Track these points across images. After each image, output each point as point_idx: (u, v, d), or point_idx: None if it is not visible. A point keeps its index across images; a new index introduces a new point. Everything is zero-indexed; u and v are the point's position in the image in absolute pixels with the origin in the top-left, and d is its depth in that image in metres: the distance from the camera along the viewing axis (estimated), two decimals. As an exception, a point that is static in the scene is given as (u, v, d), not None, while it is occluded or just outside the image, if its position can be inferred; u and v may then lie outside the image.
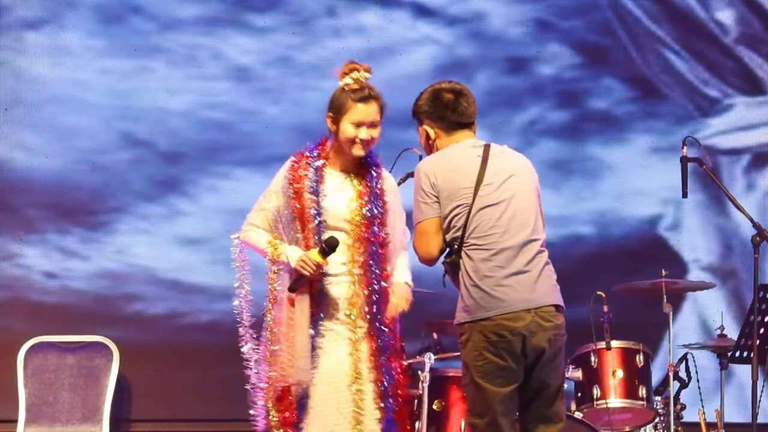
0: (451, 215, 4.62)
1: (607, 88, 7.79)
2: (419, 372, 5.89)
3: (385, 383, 4.72)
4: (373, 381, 4.72)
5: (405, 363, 4.88)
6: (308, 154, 4.85)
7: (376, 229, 4.77)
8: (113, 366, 7.05)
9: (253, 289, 4.82)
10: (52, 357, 7.08)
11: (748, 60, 7.89)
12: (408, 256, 4.89)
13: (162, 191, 7.51)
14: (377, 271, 4.75)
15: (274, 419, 4.70)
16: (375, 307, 4.74)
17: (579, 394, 6.31)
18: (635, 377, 6.27)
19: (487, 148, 4.70)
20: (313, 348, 4.72)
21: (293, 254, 4.73)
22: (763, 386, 5.98)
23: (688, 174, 6.04)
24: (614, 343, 6.26)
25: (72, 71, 7.47)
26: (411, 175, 5.57)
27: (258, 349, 4.77)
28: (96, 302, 7.40)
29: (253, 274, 4.84)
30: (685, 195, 6.03)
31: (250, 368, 4.77)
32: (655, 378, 6.48)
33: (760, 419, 5.90)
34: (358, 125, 4.77)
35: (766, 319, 5.97)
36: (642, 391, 6.26)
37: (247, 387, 4.77)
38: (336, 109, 4.79)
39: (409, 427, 4.88)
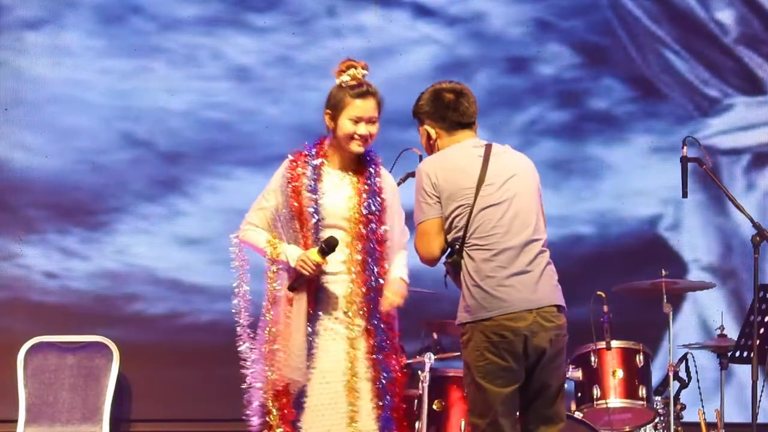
0: (453, 215, 4.61)
1: (607, 88, 7.78)
2: (419, 372, 5.88)
3: (383, 381, 4.71)
4: (371, 379, 4.71)
5: (404, 362, 4.86)
6: (306, 153, 4.84)
7: (373, 226, 4.76)
8: (113, 366, 7.05)
9: (253, 289, 4.82)
10: (52, 357, 7.07)
11: (748, 60, 7.88)
12: (407, 255, 4.87)
13: (162, 191, 7.51)
14: (375, 268, 4.74)
15: (274, 418, 4.69)
16: (372, 304, 4.73)
17: (579, 394, 6.30)
18: (635, 377, 6.26)
19: (488, 147, 4.69)
20: (311, 347, 4.71)
21: (292, 253, 4.72)
22: (763, 386, 5.98)
23: (688, 174, 6.04)
24: (614, 343, 6.26)
25: (72, 71, 7.46)
26: (411, 175, 5.57)
27: (255, 348, 4.76)
28: (96, 302, 7.40)
29: (253, 273, 4.84)
30: (685, 195, 6.02)
31: (247, 367, 4.77)
32: (655, 378, 6.47)
33: (760, 419, 5.90)
34: (357, 121, 4.76)
35: (766, 319, 5.96)
36: (642, 391, 6.25)
37: (245, 386, 4.77)
38: (334, 105, 4.79)
39: (407, 426, 4.87)
